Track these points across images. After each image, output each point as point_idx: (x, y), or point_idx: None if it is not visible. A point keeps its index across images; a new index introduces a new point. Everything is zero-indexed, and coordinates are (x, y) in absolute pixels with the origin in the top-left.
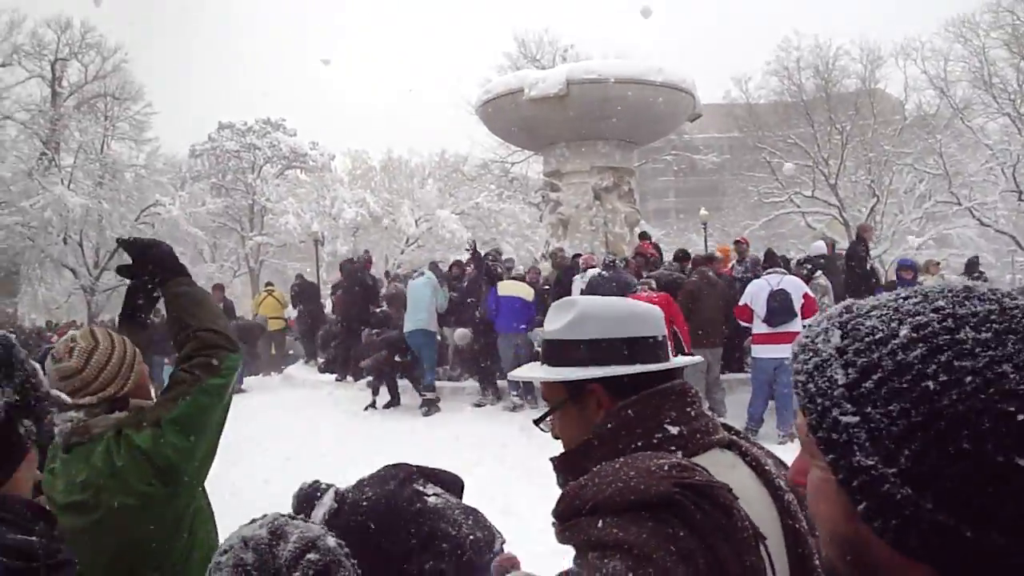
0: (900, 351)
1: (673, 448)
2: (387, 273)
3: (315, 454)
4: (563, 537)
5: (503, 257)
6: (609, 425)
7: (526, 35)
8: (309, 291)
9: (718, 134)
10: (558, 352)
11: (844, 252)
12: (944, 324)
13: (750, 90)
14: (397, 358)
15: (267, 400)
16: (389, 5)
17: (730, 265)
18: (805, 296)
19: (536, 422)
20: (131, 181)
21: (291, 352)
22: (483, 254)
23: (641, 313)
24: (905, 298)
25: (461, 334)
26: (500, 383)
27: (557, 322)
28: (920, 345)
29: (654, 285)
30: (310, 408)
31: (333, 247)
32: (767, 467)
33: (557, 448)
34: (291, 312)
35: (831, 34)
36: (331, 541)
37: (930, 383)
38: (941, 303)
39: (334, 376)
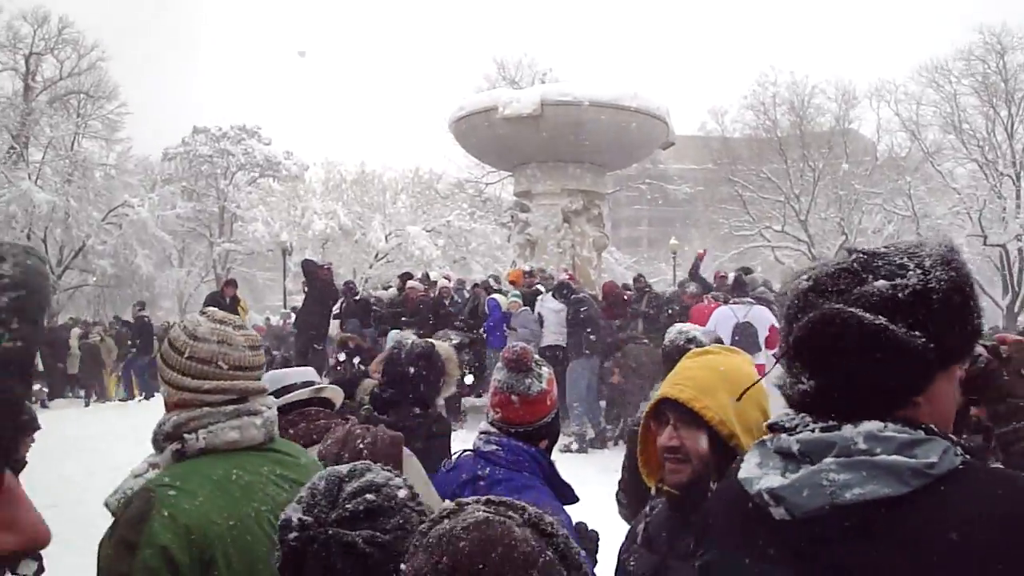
0: None
1: None
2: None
3: None
4: None
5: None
6: None
7: (506, 58)
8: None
9: (693, 165)
10: None
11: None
12: None
13: (726, 123)
14: None
15: None
16: (375, 20)
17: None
18: (771, 328)
19: None
20: (100, 180)
21: None
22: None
23: None
24: None
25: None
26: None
27: None
28: None
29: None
30: None
31: (301, 258)
32: None
33: None
34: (255, 319)
35: (807, 72)
36: (401, 492)
37: None
38: None
39: None
